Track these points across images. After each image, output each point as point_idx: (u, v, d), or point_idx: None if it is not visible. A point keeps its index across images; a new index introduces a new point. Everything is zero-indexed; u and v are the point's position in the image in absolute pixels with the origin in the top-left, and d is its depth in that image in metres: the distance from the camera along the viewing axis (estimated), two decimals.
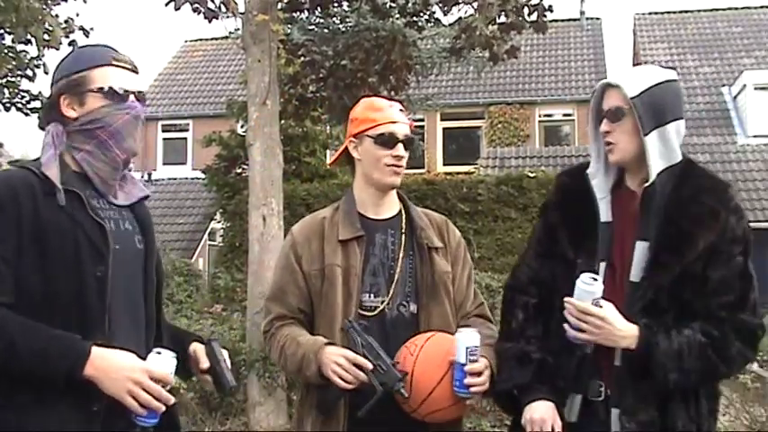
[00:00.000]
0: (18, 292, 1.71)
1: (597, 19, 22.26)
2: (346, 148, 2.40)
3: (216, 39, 21.54)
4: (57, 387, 1.69)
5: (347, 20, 8.57)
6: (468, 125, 19.81)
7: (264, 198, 5.79)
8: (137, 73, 1.96)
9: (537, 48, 20.21)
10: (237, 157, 13.22)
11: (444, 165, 19.25)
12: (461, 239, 2.45)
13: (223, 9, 6.15)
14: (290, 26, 8.24)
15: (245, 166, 12.30)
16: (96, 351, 1.70)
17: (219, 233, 15.61)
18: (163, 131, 20.92)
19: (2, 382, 1.70)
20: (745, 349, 2.08)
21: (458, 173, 15.79)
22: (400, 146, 2.30)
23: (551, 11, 6.68)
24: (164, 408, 1.76)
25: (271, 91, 5.81)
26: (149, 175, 19.53)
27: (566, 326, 2.07)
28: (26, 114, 9.51)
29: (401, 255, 2.31)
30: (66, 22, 8.16)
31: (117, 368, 1.71)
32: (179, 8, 6.00)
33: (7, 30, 7.91)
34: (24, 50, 8.87)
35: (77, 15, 8.43)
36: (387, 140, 2.29)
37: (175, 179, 19.61)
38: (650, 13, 21.40)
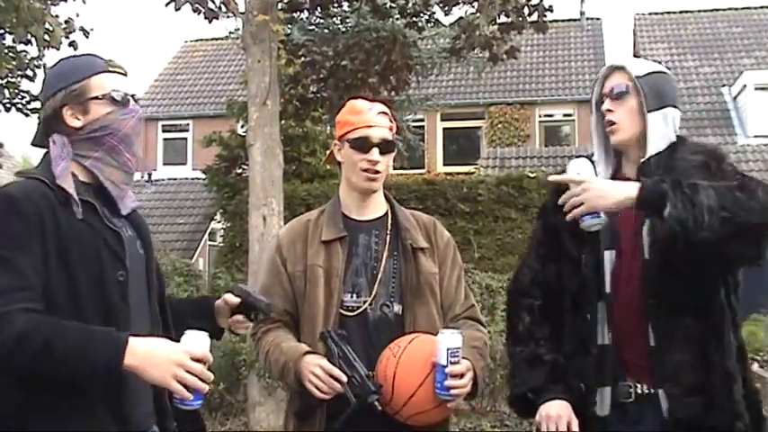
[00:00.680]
0: (44, 298, 1.70)
1: (597, 19, 22.25)
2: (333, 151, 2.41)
3: (216, 39, 21.51)
4: (96, 383, 1.68)
5: (347, 20, 8.58)
6: (469, 125, 19.80)
7: (265, 198, 5.79)
8: (127, 76, 1.97)
9: (537, 48, 20.20)
10: (238, 157, 13.21)
11: (444, 165, 19.25)
12: (450, 240, 2.43)
13: (223, 9, 6.16)
14: (290, 26, 8.24)
15: (245, 167, 12.29)
16: (134, 341, 1.67)
17: (220, 233, 15.60)
18: (163, 131, 20.91)
19: (32, 387, 1.69)
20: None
21: (458, 173, 15.78)
22: (375, 150, 2.27)
23: (551, 11, 6.69)
24: (207, 388, 1.73)
25: (271, 91, 5.81)
26: (149, 175, 19.51)
27: (578, 214, 2.00)
28: (26, 115, 9.50)
29: (385, 255, 2.30)
30: (66, 22, 8.15)
31: (158, 354, 1.67)
32: (179, 8, 6.01)
33: (8, 30, 7.91)
34: (25, 51, 8.87)
35: (77, 16, 8.43)
36: (361, 145, 2.28)
37: (175, 179, 19.59)
38: (650, 14, 21.39)
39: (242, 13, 5.99)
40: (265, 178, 5.81)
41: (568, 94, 19.30)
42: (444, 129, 19.70)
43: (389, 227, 2.35)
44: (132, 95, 1.93)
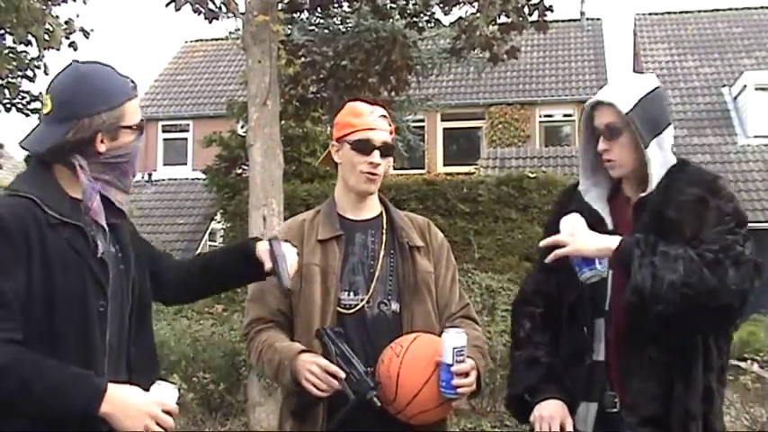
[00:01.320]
0: (25, 324, 1.70)
1: (598, 19, 22.24)
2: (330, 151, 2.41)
3: (216, 39, 21.51)
4: (70, 425, 1.70)
5: (347, 20, 8.59)
6: (469, 126, 19.80)
7: (265, 198, 5.79)
8: None
9: (537, 48, 20.20)
10: (238, 157, 13.22)
11: (445, 165, 19.25)
12: (444, 241, 2.45)
13: (223, 9, 6.16)
14: (290, 27, 8.26)
15: (245, 167, 12.30)
16: (112, 389, 1.72)
17: (220, 234, 15.61)
18: (163, 132, 20.91)
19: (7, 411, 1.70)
20: (741, 278, 1.91)
21: (458, 173, 15.79)
22: (376, 153, 2.29)
23: (552, 11, 6.69)
24: None
25: (271, 91, 5.81)
26: (149, 175, 19.52)
27: (576, 268, 2.06)
28: (26, 115, 9.50)
29: (382, 253, 2.31)
30: (66, 23, 8.16)
31: (133, 404, 1.73)
32: (179, 9, 6.01)
33: (8, 30, 7.92)
34: (25, 51, 8.87)
35: (77, 16, 8.44)
36: (363, 147, 2.29)
37: (176, 180, 19.60)
38: (650, 14, 21.38)
39: (242, 14, 5.99)
40: (265, 178, 5.81)
41: (568, 94, 19.29)
42: (444, 129, 19.71)
43: (385, 226, 2.36)
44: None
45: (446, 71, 10.23)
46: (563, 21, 20.68)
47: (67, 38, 8.24)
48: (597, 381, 2.11)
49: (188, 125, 20.81)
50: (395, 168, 14.92)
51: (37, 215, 1.73)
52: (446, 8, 7.20)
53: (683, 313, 1.93)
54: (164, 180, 19.67)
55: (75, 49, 8.63)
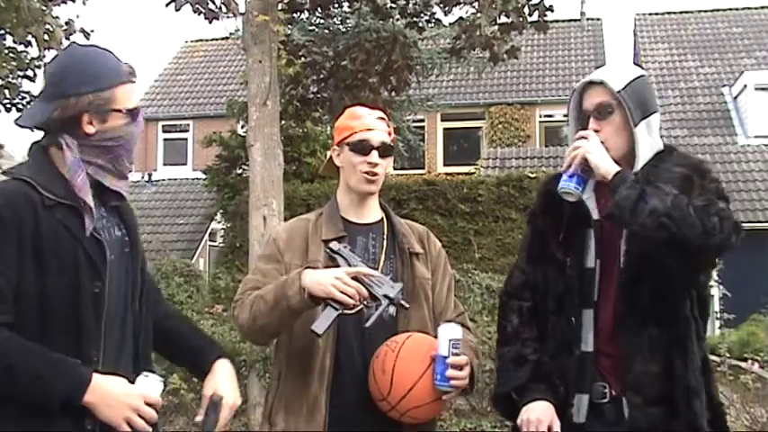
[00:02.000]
0: (15, 306, 1.71)
1: (598, 19, 22.27)
2: (332, 157, 2.42)
3: (216, 39, 21.54)
4: (52, 411, 1.71)
5: (348, 21, 8.60)
6: (469, 126, 19.81)
7: (265, 198, 5.79)
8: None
9: (537, 48, 20.22)
10: (238, 157, 13.24)
11: (445, 165, 19.27)
12: (442, 250, 2.47)
13: (224, 10, 6.16)
14: (290, 27, 8.25)
15: (245, 167, 12.31)
16: (97, 379, 1.73)
17: (220, 234, 15.62)
18: (163, 132, 20.93)
19: None
20: (722, 228, 1.93)
21: (458, 173, 15.81)
22: (375, 153, 2.30)
23: (552, 10, 6.69)
24: (151, 429, 1.80)
25: (271, 91, 5.81)
26: (150, 175, 19.53)
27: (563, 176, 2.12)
28: None
29: (382, 258, 2.32)
30: (66, 23, 8.16)
31: (116, 395, 1.75)
32: (179, 9, 6.01)
33: (8, 30, 7.91)
34: (25, 51, 8.87)
35: (78, 17, 8.44)
36: (361, 147, 2.30)
37: (176, 180, 19.62)
38: (651, 14, 21.39)
39: (242, 14, 5.99)
40: (265, 178, 5.80)
41: (569, 94, 19.22)
42: (444, 129, 19.72)
43: (386, 231, 2.38)
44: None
45: (446, 71, 10.25)
46: (563, 21, 20.69)
47: (68, 38, 8.21)
48: (587, 372, 2.12)
49: (188, 125, 20.84)
50: (395, 168, 14.93)
51: (33, 197, 1.75)
52: (446, 8, 7.20)
53: (656, 242, 1.95)
54: (164, 180, 19.68)
55: None
